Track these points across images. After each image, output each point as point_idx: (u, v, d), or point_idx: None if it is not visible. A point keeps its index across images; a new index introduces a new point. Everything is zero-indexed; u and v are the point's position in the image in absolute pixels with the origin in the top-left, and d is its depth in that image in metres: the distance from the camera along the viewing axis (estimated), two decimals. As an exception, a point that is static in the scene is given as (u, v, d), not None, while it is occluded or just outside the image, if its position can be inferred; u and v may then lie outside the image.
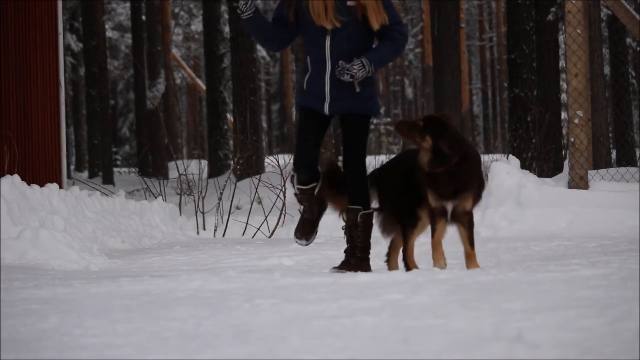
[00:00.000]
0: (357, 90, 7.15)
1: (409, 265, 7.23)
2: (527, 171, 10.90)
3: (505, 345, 3.78)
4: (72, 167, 37.27)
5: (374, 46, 7.20)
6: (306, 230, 7.48)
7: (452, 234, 10.65)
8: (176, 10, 45.30)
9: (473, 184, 6.96)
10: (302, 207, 7.55)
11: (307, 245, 7.56)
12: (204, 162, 26.48)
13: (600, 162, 13.50)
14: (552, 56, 20.58)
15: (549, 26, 20.45)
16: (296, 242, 7.59)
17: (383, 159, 28.08)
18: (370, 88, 7.20)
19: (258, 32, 7.27)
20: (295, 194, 7.45)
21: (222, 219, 14.99)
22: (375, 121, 40.02)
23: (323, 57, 7.12)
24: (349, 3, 7.10)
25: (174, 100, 37.32)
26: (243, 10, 7.15)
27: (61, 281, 7.14)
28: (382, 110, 7.46)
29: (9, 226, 9.64)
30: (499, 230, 10.31)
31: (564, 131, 20.98)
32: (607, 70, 21.96)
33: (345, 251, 7.31)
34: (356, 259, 7.20)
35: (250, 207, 14.15)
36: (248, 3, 7.14)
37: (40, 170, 13.19)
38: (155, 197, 14.97)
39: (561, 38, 20.40)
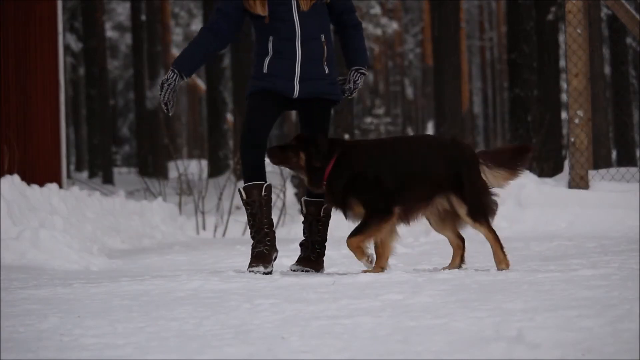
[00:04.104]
0: (326, 71, 6.87)
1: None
2: (527, 171, 10.89)
3: (506, 345, 3.78)
4: (72, 167, 37.27)
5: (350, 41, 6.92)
6: (267, 255, 6.79)
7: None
8: (176, 10, 45.30)
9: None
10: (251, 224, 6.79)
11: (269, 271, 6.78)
12: (204, 162, 26.54)
13: (600, 162, 13.50)
14: (552, 56, 20.58)
15: (549, 26, 20.45)
16: (253, 271, 6.74)
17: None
18: (334, 70, 6.94)
19: (202, 63, 6.97)
20: (244, 199, 6.83)
21: (222, 218, 15.00)
22: (375, 121, 39.98)
23: (292, 35, 6.76)
24: None
25: (174, 100, 37.22)
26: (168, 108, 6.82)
27: (61, 281, 7.14)
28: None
29: (9, 226, 9.64)
30: (499, 230, 10.26)
31: (564, 131, 20.98)
32: (607, 70, 21.96)
33: (301, 244, 6.99)
34: (316, 254, 6.94)
35: (250, 207, 14.14)
36: (169, 104, 6.78)
37: (40, 170, 13.19)
38: (155, 197, 14.98)
39: (561, 38, 20.40)
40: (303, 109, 6.93)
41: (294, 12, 6.78)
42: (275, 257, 6.86)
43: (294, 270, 6.91)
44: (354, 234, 6.64)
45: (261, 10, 6.79)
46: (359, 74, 6.91)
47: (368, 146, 6.83)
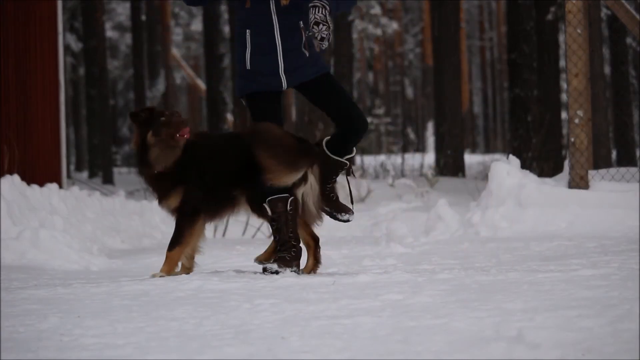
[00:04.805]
0: (307, 55, 6.64)
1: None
2: (527, 171, 10.90)
3: (505, 345, 3.78)
4: (72, 167, 37.26)
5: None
6: (288, 261, 6.66)
7: (446, 235, 10.64)
8: (176, 10, 45.31)
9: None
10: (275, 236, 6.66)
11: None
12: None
13: (600, 162, 13.51)
14: (552, 56, 20.60)
15: (549, 26, 20.47)
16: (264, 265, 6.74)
17: (383, 159, 28.05)
18: (313, 49, 6.63)
19: None
20: (268, 215, 6.62)
21: (222, 218, 14.97)
22: (375, 121, 39.99)
23: (270, 27, 6.59)
24: None
25: (173, 100, 37.28)
26: None
27: (61, 281, 7.14)
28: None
29: (9, 226, 9.64)
30: (499, 230, 10.31)
31: (564, 131, 20.99)
32: (607, 70, 21.97)
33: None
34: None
35: (250, 207, 14.12)
36: None
37: (40, 170, 13.19)
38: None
39: (561, 38, 20.41)
40: (305, 91, 6.77)
41: (271, 5, 6.57)
42: (294, 271, 6.64)
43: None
44: (173, 245, 6.80)
45: None
46: (310, 7, 6.50)
47: (207, 142, 6.81)
